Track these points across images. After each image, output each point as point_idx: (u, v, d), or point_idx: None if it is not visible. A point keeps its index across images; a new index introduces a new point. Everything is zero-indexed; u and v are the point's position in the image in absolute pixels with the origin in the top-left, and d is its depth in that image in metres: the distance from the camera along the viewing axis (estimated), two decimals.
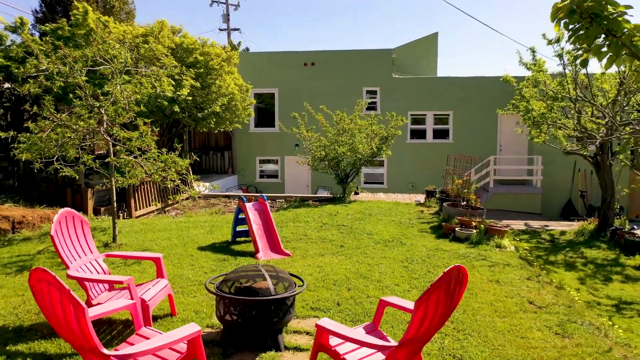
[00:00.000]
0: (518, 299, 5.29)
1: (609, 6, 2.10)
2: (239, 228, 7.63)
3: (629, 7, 2.14)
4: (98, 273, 4.42)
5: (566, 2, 2.19)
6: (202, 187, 13.56)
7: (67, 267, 4.08)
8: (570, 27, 2.27)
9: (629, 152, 10.10)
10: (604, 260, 8.97)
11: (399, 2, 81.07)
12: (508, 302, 5.16)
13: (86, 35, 9.80)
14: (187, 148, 15.67)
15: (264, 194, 9.08)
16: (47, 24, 10.40)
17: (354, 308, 4.79)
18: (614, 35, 2.13)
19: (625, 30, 2.12)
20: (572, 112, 10.84)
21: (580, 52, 2.32)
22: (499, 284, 5.81)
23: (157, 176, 6.94)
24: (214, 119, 13.57)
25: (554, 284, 6.42)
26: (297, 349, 3.88)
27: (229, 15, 29.31)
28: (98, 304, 3.95)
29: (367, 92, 18.65)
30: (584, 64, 2.48)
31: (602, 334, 4.68)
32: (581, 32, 2.24)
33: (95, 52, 7.13)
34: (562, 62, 10.46)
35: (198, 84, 12.19)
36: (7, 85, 11.08)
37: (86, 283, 4.08)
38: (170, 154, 7.07)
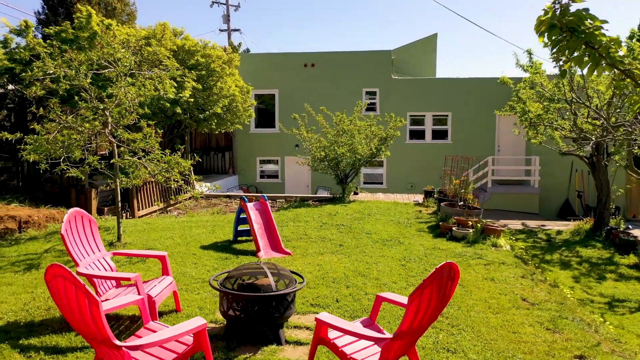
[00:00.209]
0: (512, 296, 5.46)
1: (586, 21, 2.27)
2: (241, 227, 7.80)
3: (604, 21, 2.31)
4: (106, 270, 4.58)
5: (548, 16, 2.36)
6: (204, 187, 13.73)
7: (77, 265, 4.25)
8: (553, 38, 2.44)
9: (623, 153, 10.26)
10: (598, 259, 9.13)
11: (396, 4, 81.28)
12: (502, 299, 5.33)
13: (90, 38, 9.97)
14: (188, 149, 15.84)
15: (264, 194, 9.25)
16: (50, 27, 10.55)
17: (353, 304, 4.96)
18: (592, 47, 2.29)
19: (603, 42, 2.29)
20: (567, 113, 11.01)
21: (561, 62, 2.49)
22: (493, 281, 5.98)
23: (161, 177, 7.11)
24: (215, 120, 13.75)
25: (548, 282, 6.60)
26: (298, 342, 4.05)
27: (229, 16, 29.50)
28: (106, 299, 4.12)
29: (367, 92, 18.83)
30: (564, 74, 2.65)
31: (592, 330, 4.85)
32: (563, 43, 2.41)
33: (101, 55, 7.31)
34: (558, 64, 10.61)
35: (200, 86, 12.36)
36: (10, 86, 11.25)
37: (95, 280, 4.25)
38: (174, 154, 7.24)
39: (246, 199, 7.76)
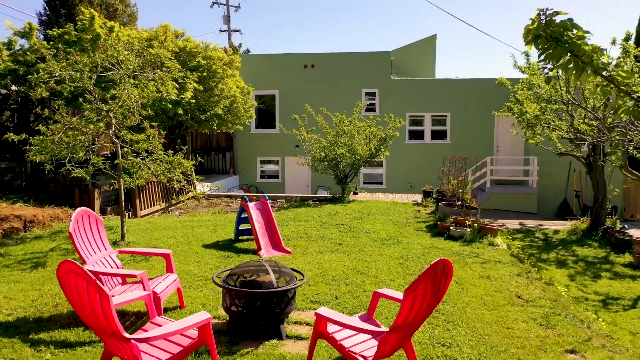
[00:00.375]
0: (507, 294, 5.60)
1: (570, 31, 2.41)
2: (242, 227, 7.95)
3: (587, 32, 2.45)
4: (112, 268, 4.73)
5: (534, 26, 2.50)
6: (205, 187, 13.88)
7: (84, 262, 4.40)
8: (540, 46, 2.58)
9: (619, 154, 10.39)
10: (594, 258, 9.27)
11: (396, 5, 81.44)
12: (497, 297, 5.47)
13: (93, 40, 10.11)
14: (189, 149, 15.99)
15: (265, 194, 9.39)
16: (54, 29, 10.70)
17: (351, 301, 5.10)
18: (576, 56, 2.43)
19: (586, 51, 2.43)
20: (563, 114, 11.14)
21: (547, 69, 2.63)
22: (489, 279, 6.11)
23: (164, 177, 7.25)
24: (216, 121, 13.89)
25: (543, 280, 6.74)
26: (298, 337, 4.19)
27: (229, 16, 29.63)
28: (112, 296, 4.26)
29: (366, 93, 18.97)
30: (548, 80, 2.79)
31: (584, 326, 4.99)
32: (550, 51, 2.55)
33: (104, 57, 7.45)
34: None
35: (201, 87, 12.51)
36: (14, 87, 11.39)
37: (102, 277, 4.39)
38: (176, 155, 7.38)
39: (247, 199, 7.90)
